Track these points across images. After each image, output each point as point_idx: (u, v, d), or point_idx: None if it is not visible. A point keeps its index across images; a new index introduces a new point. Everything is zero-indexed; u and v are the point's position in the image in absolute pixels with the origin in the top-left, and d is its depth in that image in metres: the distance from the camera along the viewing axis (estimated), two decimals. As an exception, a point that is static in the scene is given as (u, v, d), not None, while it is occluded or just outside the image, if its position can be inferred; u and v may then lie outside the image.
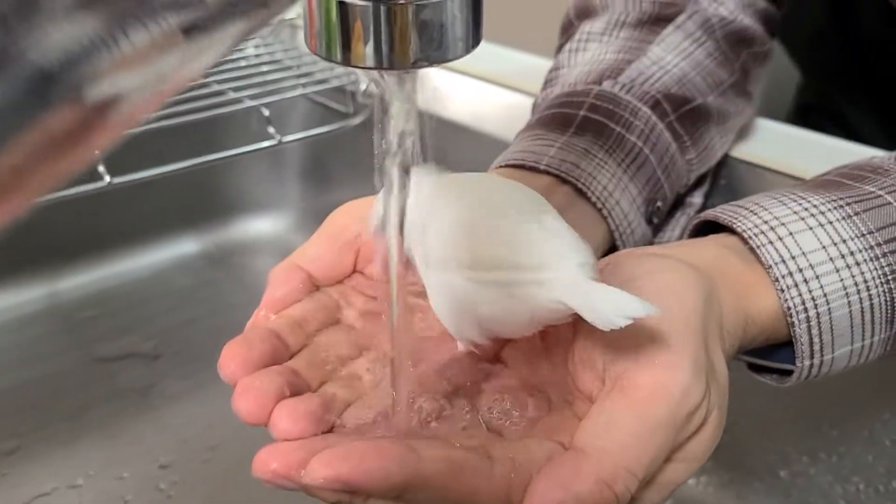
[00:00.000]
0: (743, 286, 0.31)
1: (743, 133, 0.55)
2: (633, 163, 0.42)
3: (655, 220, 0.44)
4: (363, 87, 0.67)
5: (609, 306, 0.25)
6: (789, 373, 0.34)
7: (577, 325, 0.28)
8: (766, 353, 0.35)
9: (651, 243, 0.44)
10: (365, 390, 0.29)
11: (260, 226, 0.77)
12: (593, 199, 0.40)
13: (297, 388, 0.28)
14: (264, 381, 0.27)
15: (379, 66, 0.23)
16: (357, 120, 0.66)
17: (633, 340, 0.27)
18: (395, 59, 0.22)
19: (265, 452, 0.25)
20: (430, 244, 0.28)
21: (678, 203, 0.50)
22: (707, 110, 0.48)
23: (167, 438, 0.60)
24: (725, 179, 0.52)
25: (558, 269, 0.27)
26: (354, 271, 0.34)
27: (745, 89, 0.52)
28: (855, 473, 0.50)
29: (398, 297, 0.27)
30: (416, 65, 0.23)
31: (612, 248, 0.42)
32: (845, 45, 0.75)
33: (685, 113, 0.46)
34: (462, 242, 0.28)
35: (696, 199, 0.51)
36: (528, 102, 0.60)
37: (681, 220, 0.50)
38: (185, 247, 0.75)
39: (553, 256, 0.27)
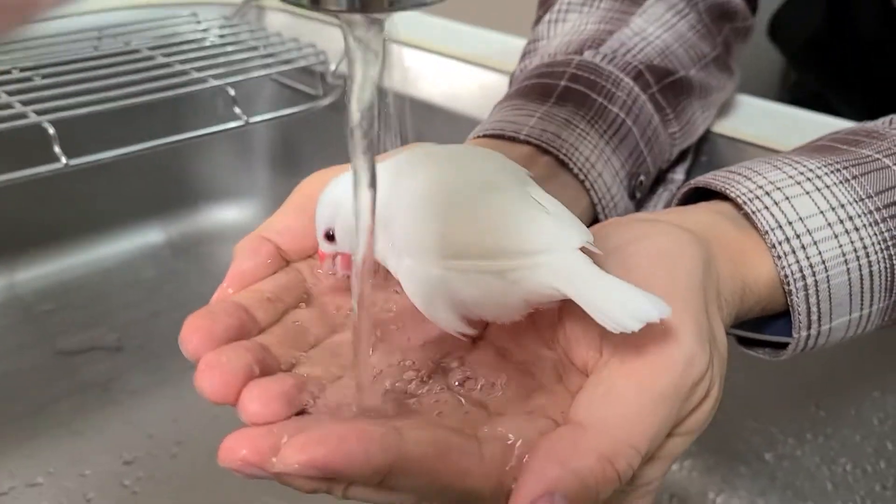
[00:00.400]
0: (739, 253, 0.30)
1: (724, 109, 0.53)
2: (615, 134, 0.41)
3: (638, 195, 0.43)
4: (332, 67, 0.65)
5: (618, 305, 0.23)
6: (783, 346, 0.32)
7: None
8: (760, 325, 0.33)
9: None
10: (342, 370, 0.27)
11: (227, 213, 0.75)
12: (575, 170, 0.38)
13: (267, 366, 0.25)
14: (231, 357, 0.24)
15: (351, 8, 0.21)
16: (326, 101, 0.64)
17: None
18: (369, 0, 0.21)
19: (232, 439, 0.23)
20: (399, 230, 0.26)
21: (660, 179, 0.49)
22: (689, 83, 0.46)
23: (132, 433, 0.57)
24: (707, 156, 0.51)
25: (552, 252, 0.25)
26: None
27: (727, 64, 0.51)
28: (842, 454, 0.49)
29: (363, 274, 0.25)
30: (393, 6, 0.21)
31: (594, 223, 0.40)
32: (842, 46, 0.74)
33: (668, 85, 0.45)
34: (438, 228, 0.26)
35: (679, 175, 0.50)
36: (502, 81, 0.59)
37: (663, 196, 0.49)
38: (148, 235, 0.72)
39: (545, 237, 0.25)
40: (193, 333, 0.25)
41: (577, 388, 0.25)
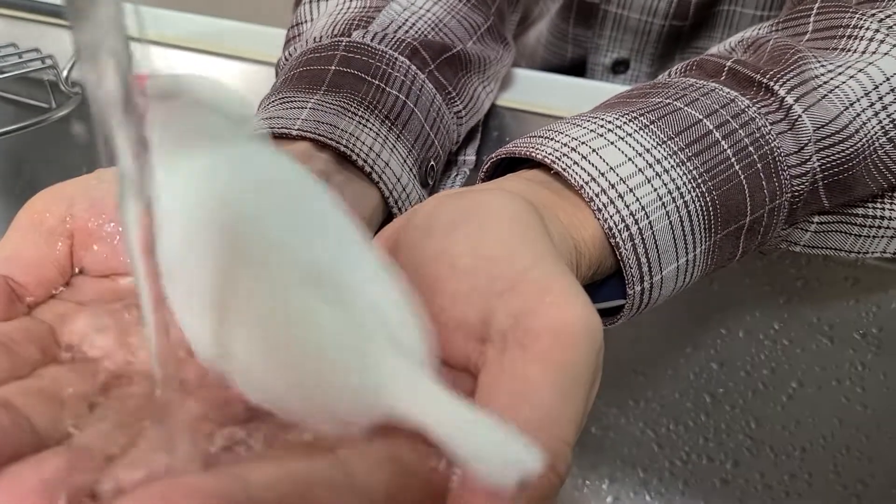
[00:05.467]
0: (563, 215, 0.28)
1: (505, 83, 0.52)
2: (397, 119, 0.37)
3: (431, 182, 0.40)
4: (65, 73, 0.56)
5: (491, 449, 0.18)
6: (617, 311, 0.31)
7: (421, 282, 0.23)
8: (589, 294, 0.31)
9: None
10: (132, 434, 0.20)
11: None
12: (360, 162, 0.34)
13: (16, 439, 0.18)
14: None
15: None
16: (61, 113, 0.55)
17: (504, 282, 0.22)
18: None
19: None
20: (185, 287, 0.20)
21: (450, 162, 0.46)
22: (467, 57, 0.44)
23: None
24: (497, 131, 0.49)
25: (388, 365, 0.19)
26: (72, 272, 0.25)
27: (501, 34, 0.49)
28: (664, 415, 0.49)
29: (150, 294, 0.19)
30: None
31: (388, 218, 0.36)
32: None
33: (445, 61, 0.42)
34: (221, 285, 0.19)
35: (470, 156, 0.47)
36: (269, 73, 0.54)
37: (457, 181, 0.46)
38: None
39: (376, 341, 0.20)
40: None
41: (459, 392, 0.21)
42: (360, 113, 0.36)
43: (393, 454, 0.19)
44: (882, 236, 0.37)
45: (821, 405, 0.46)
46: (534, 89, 0.51)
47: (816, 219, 0.35)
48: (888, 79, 0.33)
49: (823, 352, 0.45)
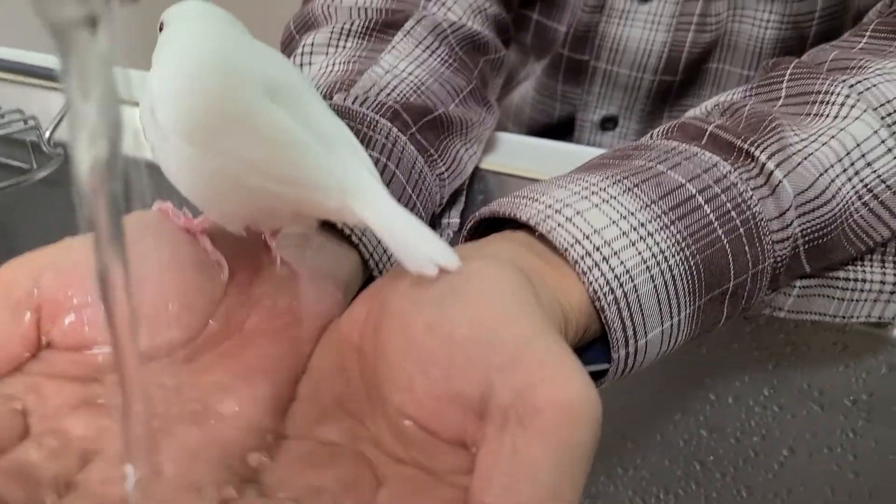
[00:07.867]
0: (549, 280, 0.27)
1: (490, 146, 0.52)
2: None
3: None
4: (47, 134, 0.55)
5: (417, 246, 0.24)
6: (600, 375, 0.30)
7: (413, 352, 0.22)
8: None
9: None
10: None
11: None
12: (339, 225, 0.34)
13: None
14: None
15: None
16: (41, 174, 0.54)
17: (503, 356, 0.21)
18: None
19: None
20: (171, 109, 0.25)
21: (434, 225, 0.45)
22: (449, 120, 0.44)
23: None
24: (482, 194, 0.49)
25: (352, 168, 0.25)
26: (39, 345, 0.24)
27: (484, 97, 0.49)
28: (653, 483, 0.48)
29: (126, 363, 0.18)
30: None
31: (368, 281, 0.36)
32: None
33: (427, 123, 0.42)
34: (217, 123, 0.24)
35: (454, 218, 0.47)
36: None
37: None
38: None
39: (344, 169, 0.25)
40: None
41: (446, 470, 0.21)
42: None
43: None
44: (865, 300, 0.37)
45: (812, 473, 0.45)
46: (519, 153, 0.51)
47: (799, 283, 0.35)
48: (858, 145, 0.34)
49: (814, 418, 0.44)
